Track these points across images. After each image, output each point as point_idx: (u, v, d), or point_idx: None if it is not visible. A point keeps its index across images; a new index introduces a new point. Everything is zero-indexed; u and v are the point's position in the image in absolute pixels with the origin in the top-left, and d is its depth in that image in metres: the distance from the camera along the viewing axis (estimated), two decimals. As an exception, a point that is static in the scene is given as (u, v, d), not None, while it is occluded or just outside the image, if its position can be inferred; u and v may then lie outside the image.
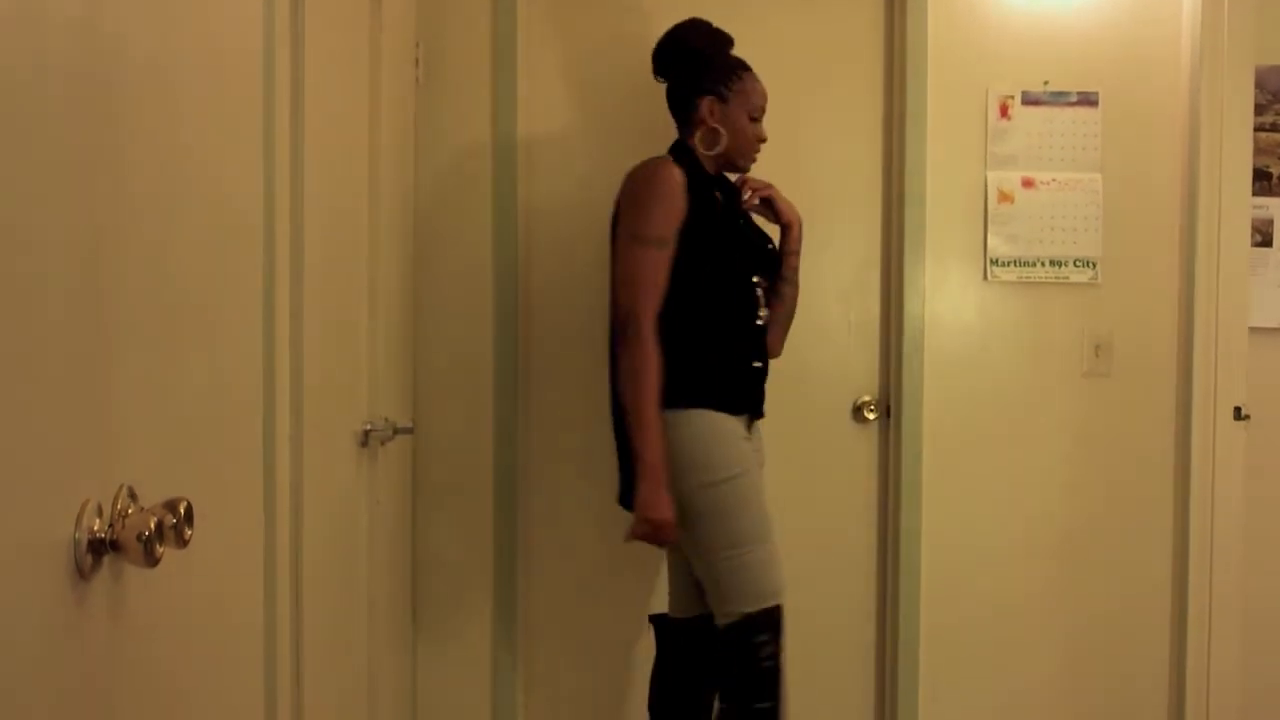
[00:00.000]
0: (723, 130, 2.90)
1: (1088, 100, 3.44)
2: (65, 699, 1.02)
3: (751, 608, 2.76)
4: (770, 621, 2.77)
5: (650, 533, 2.70)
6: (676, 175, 2.79)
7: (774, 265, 3.05)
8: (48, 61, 0.98)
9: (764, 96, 2.96)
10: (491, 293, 3.34)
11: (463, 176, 3.34)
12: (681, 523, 2.74)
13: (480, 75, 3.34)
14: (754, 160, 2.99)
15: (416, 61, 3.23)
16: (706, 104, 2.91)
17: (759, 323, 2.93)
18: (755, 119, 2.95)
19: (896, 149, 3.42)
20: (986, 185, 3.42)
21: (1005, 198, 3.42)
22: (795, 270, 3.09)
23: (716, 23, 2.97)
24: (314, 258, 1.93)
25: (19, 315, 0.92)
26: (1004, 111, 3.42)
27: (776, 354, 3.10)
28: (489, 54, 3.34)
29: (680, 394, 2.77)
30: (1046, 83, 3.43)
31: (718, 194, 2.92)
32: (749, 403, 2.92)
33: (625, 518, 2.83)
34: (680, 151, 2.93)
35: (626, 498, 2.82)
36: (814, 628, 3.43)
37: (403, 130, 3.04)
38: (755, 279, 2.94)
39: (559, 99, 3.41)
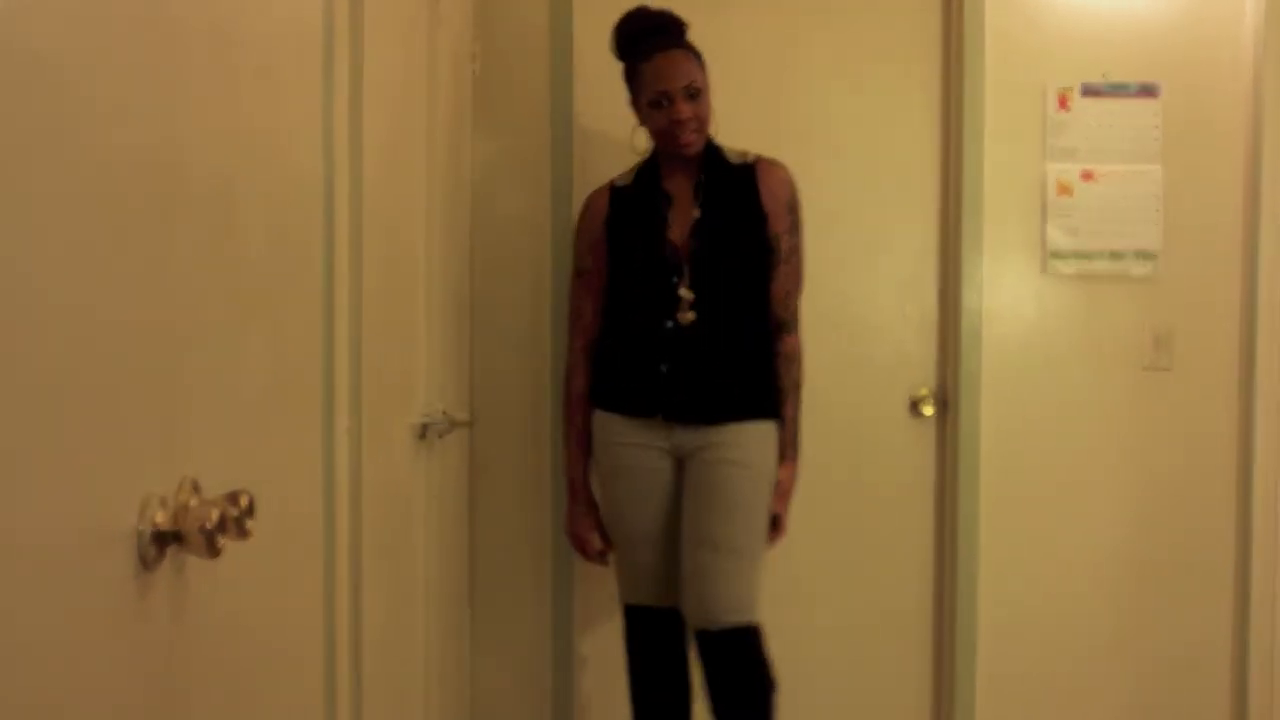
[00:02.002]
0: (642, 126, 2.92)
1: (1148, 91, 3.40)
2: (130, 686, 1.04)
3: (626, 598, 3.02)
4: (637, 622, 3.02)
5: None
6: (593, 204, 3.01)
7: (702, 265, 2.84)
8: (108, 50, 1.00)
9: (666, 78, 2.79)
10: (550, 285, 3.36)
11: (519, 172, 3.37)
12: None
13: (537, 71, 3.36)
14: (688, 140, 2.82)
15: (473, 57, 3.24)
16: (633, 103, 2.94)
17: (670, 325, 2.84)
18: (659, 103, 2.81)
19: (954, 141, 3.40)
20: (1045, 177, 3.39)
21: (1064, 190, 3.39)
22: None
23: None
24: (372, 252, 1.95)
25: (86, 310, 0.94)
26: (1063, 103, 3.39)
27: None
28: (546, 50, 3.35)
29: (593, 395, 3.00)
30: (1106, 74, 3.39)
31: (668, 191, 2.91)
32: (651, 405, 2.88)
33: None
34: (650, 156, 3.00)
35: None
36: (869, 621, 3.43)
37: (459, 125, 3.06)
38: (675, 280, 2.84)
39: (616, 95, 3.42)
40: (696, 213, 2.87)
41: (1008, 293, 3.40)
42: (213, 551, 1.09)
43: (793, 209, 2.91)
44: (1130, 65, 3.39)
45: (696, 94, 2.80)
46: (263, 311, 1.43)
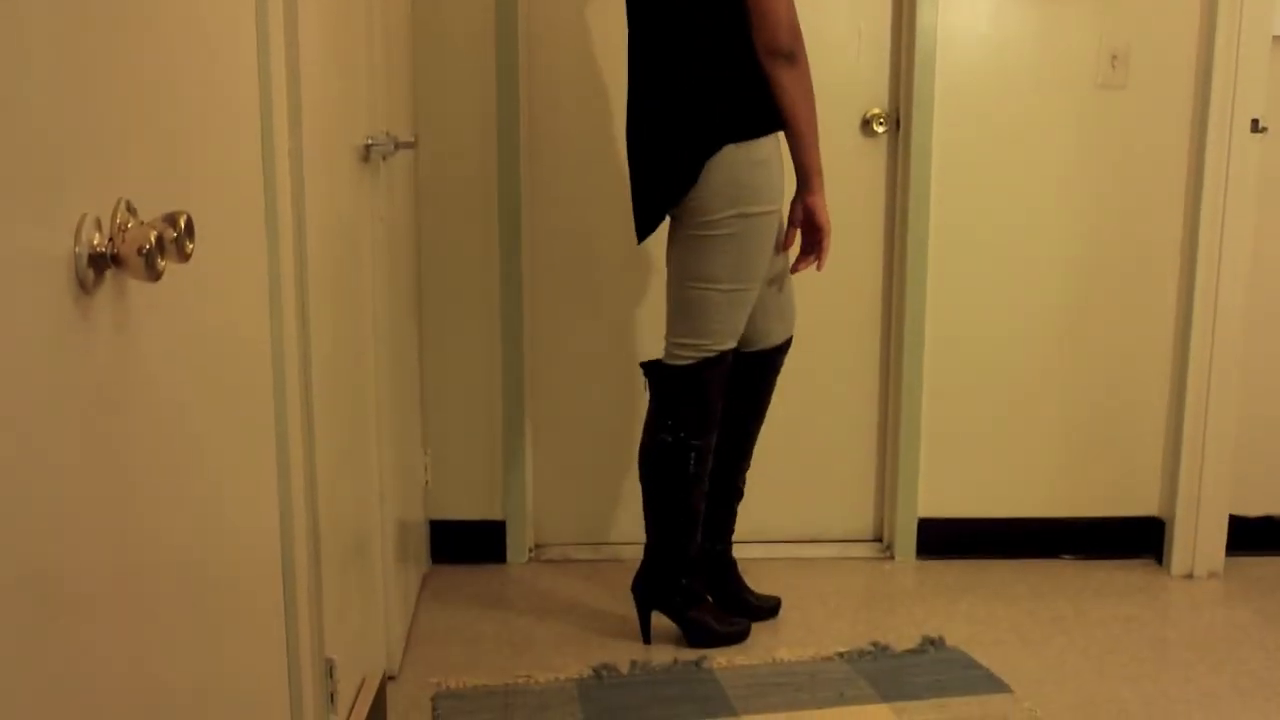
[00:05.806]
0: None
1: None
2: (73, 410, 1.03)
3: (724, 345, 2.79)
4: (723, 363, 2.81)
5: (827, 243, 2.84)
6: None
7: None
8: None
9: None
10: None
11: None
12: (694, 249, 2.72)
13: None
14: None
15: None
16: None
17: None
18: None
19: None
20: (1007, -116, 3.27)
21: (1026, -102, 3.28)
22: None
23: None
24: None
25: (12, 23, 0.89)
26: None
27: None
28: None
29: (753, 122, 2.69)
30: None
31: None
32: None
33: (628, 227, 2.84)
34: None
35: (643, 233, 2.82)
36: (820, 333, 3.47)
37: None
38: None
39: None
40: None
41: (963, 10, 3.32)
42: (153, 274, 1.06)
43: None
44: None
45: None
46: (194, 22, 1.36)
